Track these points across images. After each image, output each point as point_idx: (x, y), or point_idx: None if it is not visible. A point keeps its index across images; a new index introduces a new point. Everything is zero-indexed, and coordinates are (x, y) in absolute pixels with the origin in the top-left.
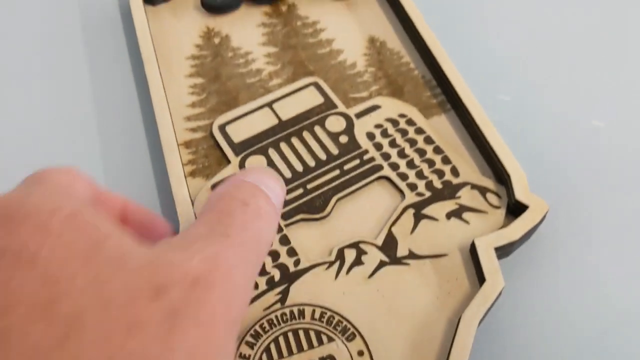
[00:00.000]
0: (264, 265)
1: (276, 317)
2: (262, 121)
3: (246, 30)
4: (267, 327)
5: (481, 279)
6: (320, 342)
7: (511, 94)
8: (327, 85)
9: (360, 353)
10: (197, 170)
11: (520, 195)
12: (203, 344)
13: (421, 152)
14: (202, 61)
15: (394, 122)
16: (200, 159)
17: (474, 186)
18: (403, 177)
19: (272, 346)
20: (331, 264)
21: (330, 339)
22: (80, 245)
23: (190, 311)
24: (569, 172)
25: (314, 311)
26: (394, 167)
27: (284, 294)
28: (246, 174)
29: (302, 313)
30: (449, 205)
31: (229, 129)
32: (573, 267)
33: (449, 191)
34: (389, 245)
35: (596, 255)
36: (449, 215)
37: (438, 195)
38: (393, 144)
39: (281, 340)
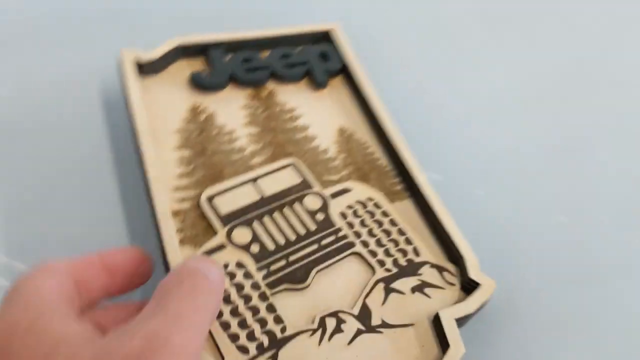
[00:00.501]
0: (253, 331)
1: None
2: (247, 196)
3: (230, 110)
4: None
5: (444, 346)
6: None
7: (483, 188)
8: (304, 166)
9: None
10: (186, 239)
11: (473, 274)
12: None
13: (387, 233)
14: (189, 135)
15: (364, 205)
16: (188, 228)
17: (432, 265)
18: (373, 254)
19: None
20: (314, 331)
21: None
22: (38, 353)
23: None
24: (519, 260)
25: None
26: (365, 244)
27: (274, 358)
28: (184, 262)
29: None
30: (413, 280)
31: (217, 201)
32: (516, 339)
33: (412, 268)
34: (364, 315)
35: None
36: (413, 290)
37: (403, 272)
38: (363, 223)
39: None
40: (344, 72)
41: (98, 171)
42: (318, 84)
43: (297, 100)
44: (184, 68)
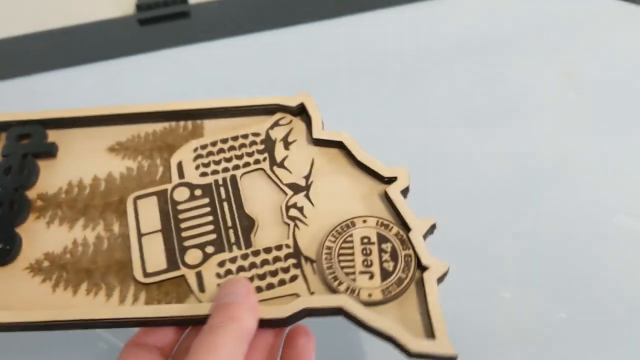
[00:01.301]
0: (281, 267)
1: (327, 266)
2: (154, 243)
3: (47, 238)
4: (332, 271)
5: (335, 143)
6: (351, 240)
7: None
8: (140, 191)
9: (364, 220)
10: (179, 300)
11: (290, 102)
12: None
13: (232, 147)
14: (62, 279)
15: (199, 156)
16: (167, 299)
17: (271, 127)
18: (247, 165)
19: (345, 270)
20: (294, 225)
21: (350, 235)
22: None
23: None
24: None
25: (328, 240)
26: (236, 167)
27: (308, 259)
28: (219, 296)
29: (328, 247)
30: (279, 144)
31: (148, 269)
32: None
33: (269, 141)
34: (295, 187)
35: None
36: (286, 147)
37: (269, 148)
38: (216, 162)
39: (343, 264)
40: (49, 126)
41: None
42: (52, 153)
43: (59, 178)
44: None
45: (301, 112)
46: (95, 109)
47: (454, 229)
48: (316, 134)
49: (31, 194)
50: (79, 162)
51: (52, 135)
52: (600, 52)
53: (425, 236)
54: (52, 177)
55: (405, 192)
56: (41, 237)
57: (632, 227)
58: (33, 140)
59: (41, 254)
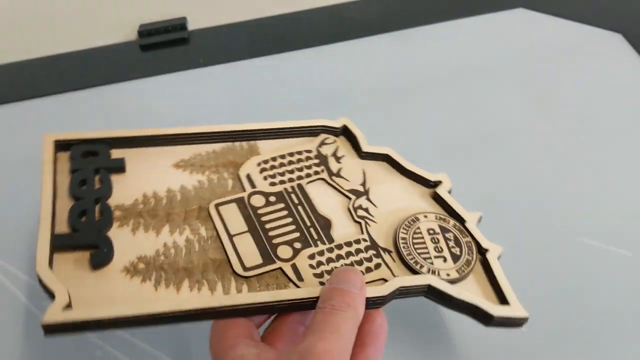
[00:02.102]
0: (364, 257)
1: (407, 253)
2: (246, 242)
3: (136, 244)
4: (412, 257)
5: (380, 155)
6: (420, 232)
7: None
8: (218, 199)
9: (425, 215)
10: (279, 288)
11: (332, 124)
12: None
13: (291, 162)
14: (162, 278)
15: (263, 169)
16: (269, 289)
17: (318, 146)
18: (308, 175)
19: (422, 256)
20: (365, 222)
21: (418, 227)
22: None
23: None
24: None
25: (399, 234)
26: (300, 178)
27: (386, 250)
28: (330, 281)
29: (403, 238)
30: (331, 160)
31: (246, 263)
32: None
33: (321, 157)
34: (356, 192)
35: None
36: (338, 161)
37: (324, 162)
38: (281, 174)
39: (419, 251)
40: (114, 145)
41: None
42: (121, 169)
43: (133, 190)
44: (69, 274)
45: (343, 133)
46: (156, 130)
47: None
48: (365, 148)
49: (111, 203)
50: (149, 177)
51: (115, 154)
52: (571, 78)
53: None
54: (124, 190)
55: (449, 192)
56: (129, 242)
57: (597, 246)
58: (100, 157)
59: (134, 257)
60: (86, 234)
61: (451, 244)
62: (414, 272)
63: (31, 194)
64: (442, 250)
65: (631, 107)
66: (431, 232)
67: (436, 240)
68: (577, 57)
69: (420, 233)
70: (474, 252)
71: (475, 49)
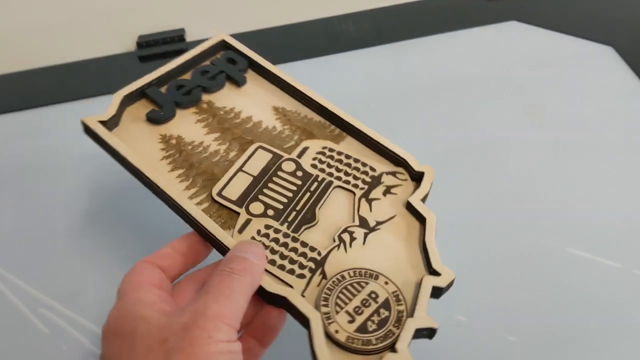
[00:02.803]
0: (301, 262)
1: (328, 287)
2: (243, 181)
3: (189, 128)
4: (329, 292)
5: (421, 219)
6: (362, 286)
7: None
8: (267, 145)
9: (386, 282)
10: (222, 226)
11: (413, 165)
12: (185, 357)
13: (348, 165)
14: (173, 158)
15: (322, 153)
16: (216, 218)
17: (387, 172)
18: (347, 182)
19: (338, 301)
20: (338, 246)
21: (366, 282)
22: (127, 332)
23: (178, 345)
24: None
25: (347, 273)
26: (339, 178)
27: (323, 274)
28: (233, 250)
29: (342, 277)
30: (381, 188)
31: (225, 192)
32: None
33: (376, 180)
34: (363, 222)
35: None
36: (384, 193)
37: (372, 185)
38: (329, 165)
39: (341, 295)
40: (252, 66)
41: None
42: (239, 83)
43: (231, 101)
44: (134, 112)
45: (418, 178)
46: (289, 78)
47: None
48: (413, 201)
49: (205, 97)
50: (249, 101)
51: (247, 73)
52: (563, 89)
53: (415, 336)
54: (225, 97)
55: (439, 291)
56: (185, 124)
57: (583, 256)
58: (235, 66)
59: (177, 133)
60: (165, 96)
61: (375, 318)
62: (316, 305)
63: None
64: (360, 313)
65: (621, 118)
66: (372, 295)
67: (366, 304)
68: (569, 69)
69: (362, 288)
70: (384, 343)
71: (469, 61)
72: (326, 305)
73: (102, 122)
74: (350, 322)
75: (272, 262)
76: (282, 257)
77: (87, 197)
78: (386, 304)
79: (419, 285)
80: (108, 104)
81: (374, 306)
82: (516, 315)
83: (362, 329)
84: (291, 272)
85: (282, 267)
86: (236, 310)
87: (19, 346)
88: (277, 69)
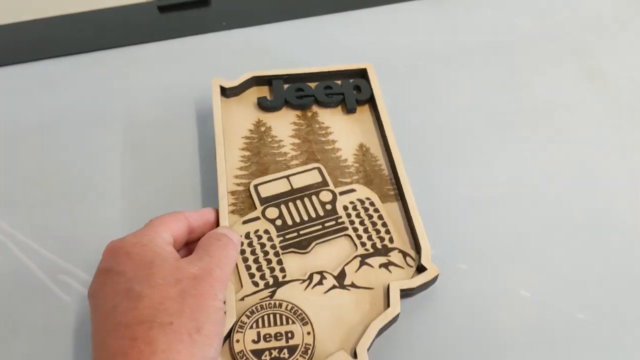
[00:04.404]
0: (264, 274)
1: (266, 304)
2: (281, 186)
3: (282, 125)
4: (259, 309)
5: (387, 306)
6: (287, 322)
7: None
8: (325, 170)
9: (309, 333)
10: (236, 210)
11: (424, 262)
12: (197, 304)
13: (373, 224)
14: (251, 140)
15: (362, 202)
16: (239, 203)
17: (400, 251)
18: (359, 237)
19: (260, 320)
20: (304, 281)
21: (293, 322)
22: (145, 260)
23: (191, 291)
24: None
25: (287, 305)
26: (355, 229)
27: (273, 293)
28: (218, 229)
29: (280, 305)
30: (382, 259)
31: (260, 188)
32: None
33: (384, 251)
34: (341, 276)
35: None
36: (380, 265)
37: (377, 252)
38: (358, 215)
39: (265, 317)
40: (371, 102)
41: (189, 164)
42: (349, 110)
43: (332, 120)
44: (254, 93)
45: (422, 270)
46: (389, 127)
47: (463, 230)
48: (392, 287)
49: (315, 107)
50: (346, 128)
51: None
52: (623, 52)
53: None
54: (330, 115)
55: None
56: (282, 120)
57: None
58: (356, 95)
59: (269, 124)
60: (283, 92)
61: (274, 353)
62: (242, 313)
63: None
64: (266, 340)
65: None
66: (289, 334)
67: (278, 338)
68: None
69: (287, 323)
70: None
71: (523, 17)
72: (248, 317)
73: (222, 89)
74: (254, 342)
75: (245, 260)
76: (255, 261)
77: (110, 155)
78: (292, 349)
79: (330, 355)
80: (126, 57)
81: (281, 343)
82: (587, 291)
83: (258, 354)
84: (251, 275)
85: (247, 267)
86: (228, 279)
87: (38, 315)
88: (386, 114)
